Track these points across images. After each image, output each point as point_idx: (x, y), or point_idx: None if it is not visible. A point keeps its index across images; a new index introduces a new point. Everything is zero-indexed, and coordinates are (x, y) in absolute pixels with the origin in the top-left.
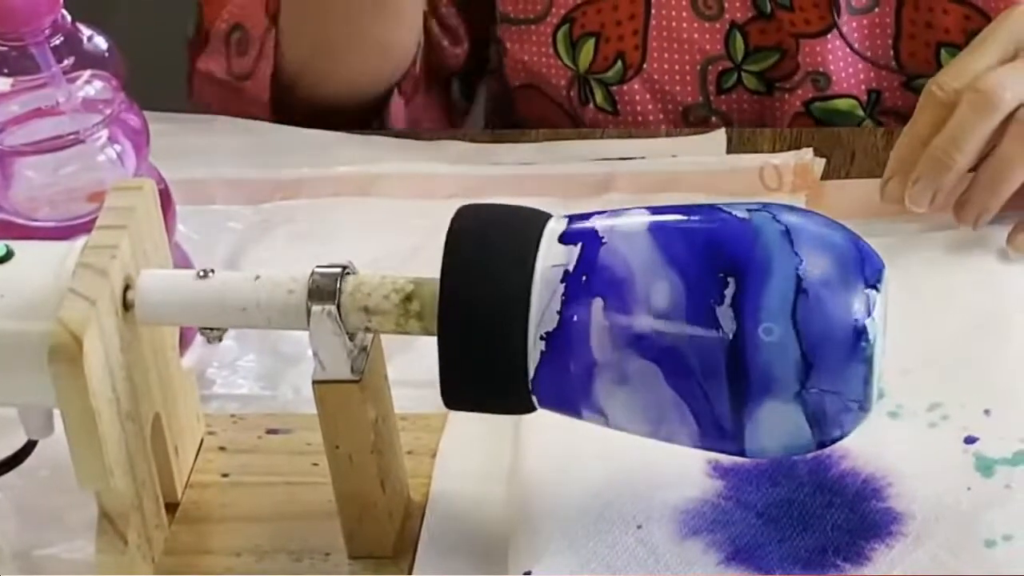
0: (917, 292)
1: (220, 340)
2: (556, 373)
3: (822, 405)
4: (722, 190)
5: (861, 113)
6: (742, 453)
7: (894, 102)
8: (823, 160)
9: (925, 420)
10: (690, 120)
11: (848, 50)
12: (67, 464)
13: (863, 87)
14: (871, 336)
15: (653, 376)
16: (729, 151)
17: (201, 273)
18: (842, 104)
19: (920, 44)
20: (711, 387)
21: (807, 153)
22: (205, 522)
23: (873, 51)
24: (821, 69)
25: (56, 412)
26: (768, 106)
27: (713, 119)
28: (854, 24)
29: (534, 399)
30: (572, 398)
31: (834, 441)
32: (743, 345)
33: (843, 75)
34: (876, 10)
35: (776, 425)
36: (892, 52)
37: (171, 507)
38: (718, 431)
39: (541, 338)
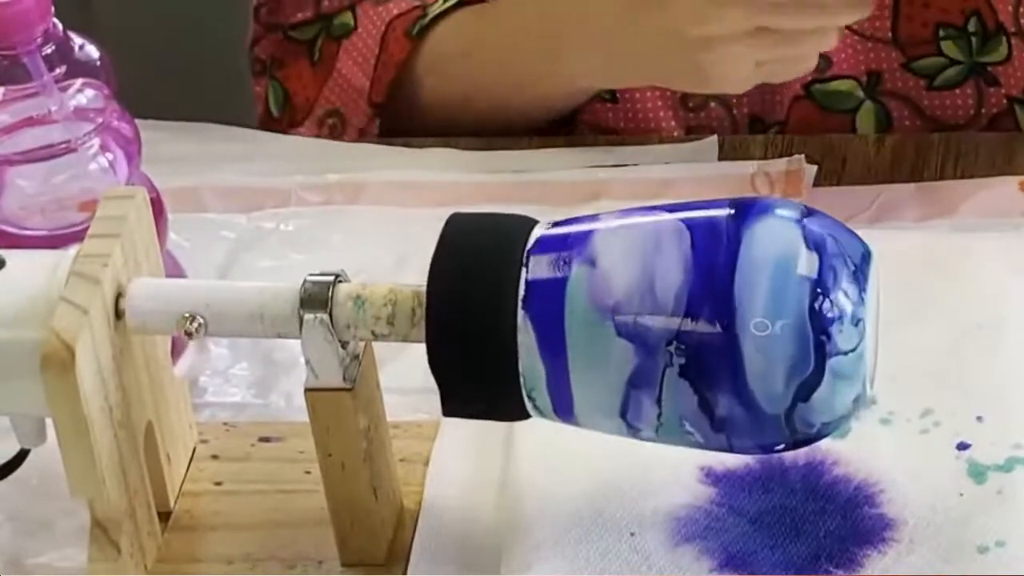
0: (908, 298)
1: (203, 336)
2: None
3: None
4: (714, 197)
5: (861, 94)
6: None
7: (893, 83)
8: (814, 167)
9: (917, 426)
10: (689, 105)
11: (847, 31)
12: (59, 472)
13: (862, 68)
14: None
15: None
16: (721, 157)
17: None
18: (842, 85)
19: (918, 24)
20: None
21: (799, 160)
22: (198, 530)
23: (872, 32)
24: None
25: (48, 420)
26: (768, 89)
27: (712, 104)
28: None
29: (527, 405)
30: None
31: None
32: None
33: (842, 56)
34: None
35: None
36: (891, 33)
37: (164, 515)
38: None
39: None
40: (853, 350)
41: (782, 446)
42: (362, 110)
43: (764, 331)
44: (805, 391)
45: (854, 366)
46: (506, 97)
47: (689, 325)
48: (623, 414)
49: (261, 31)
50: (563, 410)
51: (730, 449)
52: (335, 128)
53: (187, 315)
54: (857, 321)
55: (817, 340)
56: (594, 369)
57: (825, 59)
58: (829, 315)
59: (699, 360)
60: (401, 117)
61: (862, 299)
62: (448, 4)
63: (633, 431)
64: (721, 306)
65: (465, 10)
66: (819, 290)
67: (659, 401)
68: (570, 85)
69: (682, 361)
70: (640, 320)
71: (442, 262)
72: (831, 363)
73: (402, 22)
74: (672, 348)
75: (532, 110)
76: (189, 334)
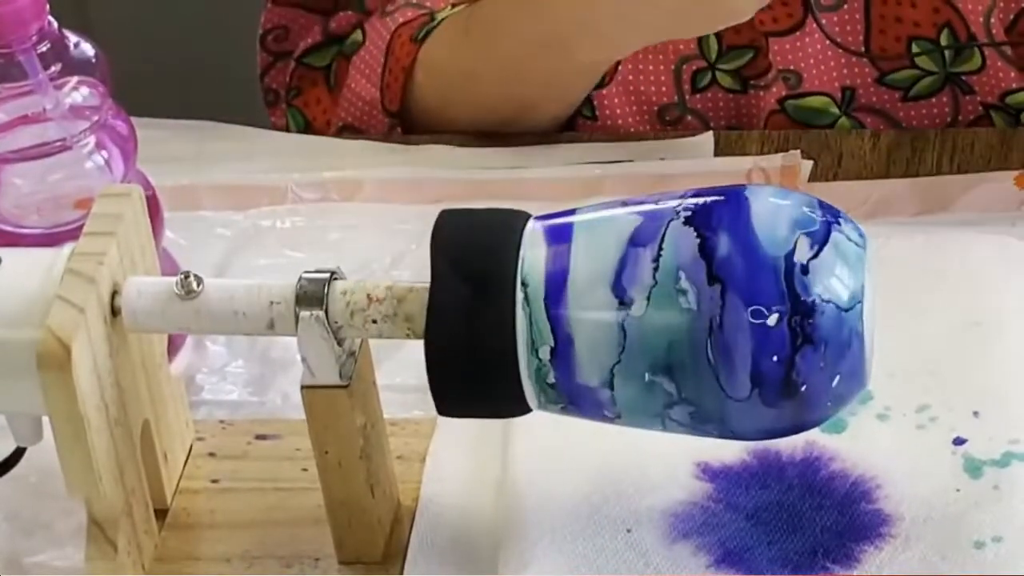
0: (905, 294)
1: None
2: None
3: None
4: None
5: (836, 111)
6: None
7: (868, 98)
8: (810, 162)
9: (913, 422)
10: (666, 119)
11: (819, 47)
12: (56, 471)
13: (836, 84)
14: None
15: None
16: (716, 153)
17: (183, 279)
18: (815, 102)
19: (891, 38)
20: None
21: (794, 155)
22: (195, 528)
23: (845, 46)
24: (792, 67)
25: (45, 419)
26: (744, 104)
27: (689, 118)
28: (824, 21)
29: (529, 400)
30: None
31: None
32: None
33: (815, 72)
34: (845, 6)
35: None
36: (864, 47)
37: (161, 513)
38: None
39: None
40: (857, 244)
41: (776, 313)
42: (379, 120)
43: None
44: (807, 247)
45: (857, 258)
46: (509, 82)
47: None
48: (617, 279)
49: (270, 60)
50: (555, 293)
51: (722, 307)
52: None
53: (184, 273)
54: (861, 233)
55: (825, 206)
56: (596, 233)
57: (796, 75)
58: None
59: (707, 209)
60: (414, 121)
61: None
62: (455, 10)
63: (624, 308)
64: None
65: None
66: None
67: (658, 257)
68: (571, 54)
69: (688, 213)
70: (648, 202)
71: (440, 260)
72: (835, 235)
73: (408, 29)
74: (679, 206)
75: (535, 94)
76: (189, 291)
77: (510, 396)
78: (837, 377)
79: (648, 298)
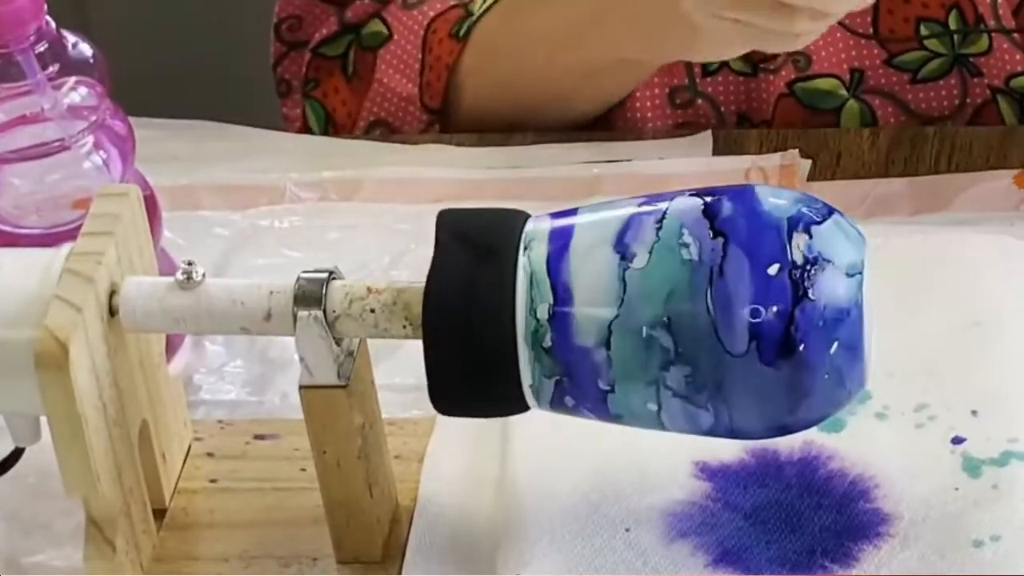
0: (903, 293)
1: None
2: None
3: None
4: None
5: (844, 93)
6: None
7: (876, 80)
8: (809, 161)
9: (912, 421)
10: (676, 102)
11: (828, 30)
12: (55, 471)
13: (845, 66)
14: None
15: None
16: (715, 152)
17: (186, 266)
18: (824, 84)
19: (899, 20)
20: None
21: (793, 154)
22: (193, 528)
23: (854, 28)
24: (801, 49)
25: (43, 419)
26: (753, 87)
27: (699, 102)
28: None
29: (528, 399)
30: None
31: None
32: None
33: (824, 54)
34: None
35: None
36: (872, 29)
37: (159, 513)
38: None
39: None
40: (859, 232)
41: (777, 263)
42: (415, 116)
43: None
44: (810, 215)
45: (858, 237)
46: (554, 78)
47: None
48: (620, 238)
49: (284, 49)
50: (557, 252)
51: (723, 257)
52: (383, 136)
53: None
54: (860, 232)
55: (827, 204)
56: (601, 209)
57: (806, 57)
58: None
59: (712, 190)
60: (450, 119)
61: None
62: (491, 1)
63: (625, 261)
64: None
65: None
66: None
67: (661, 219)
68: (614, 50)
69: (692, 191)
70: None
71: (438, 260)
72: (837, 217)
73: (443, 24)
74: (684, 191)
75: (581, 91)
76: (190, 277)
77: (511, 394)
78: (835, 343)
79: (650, 252)
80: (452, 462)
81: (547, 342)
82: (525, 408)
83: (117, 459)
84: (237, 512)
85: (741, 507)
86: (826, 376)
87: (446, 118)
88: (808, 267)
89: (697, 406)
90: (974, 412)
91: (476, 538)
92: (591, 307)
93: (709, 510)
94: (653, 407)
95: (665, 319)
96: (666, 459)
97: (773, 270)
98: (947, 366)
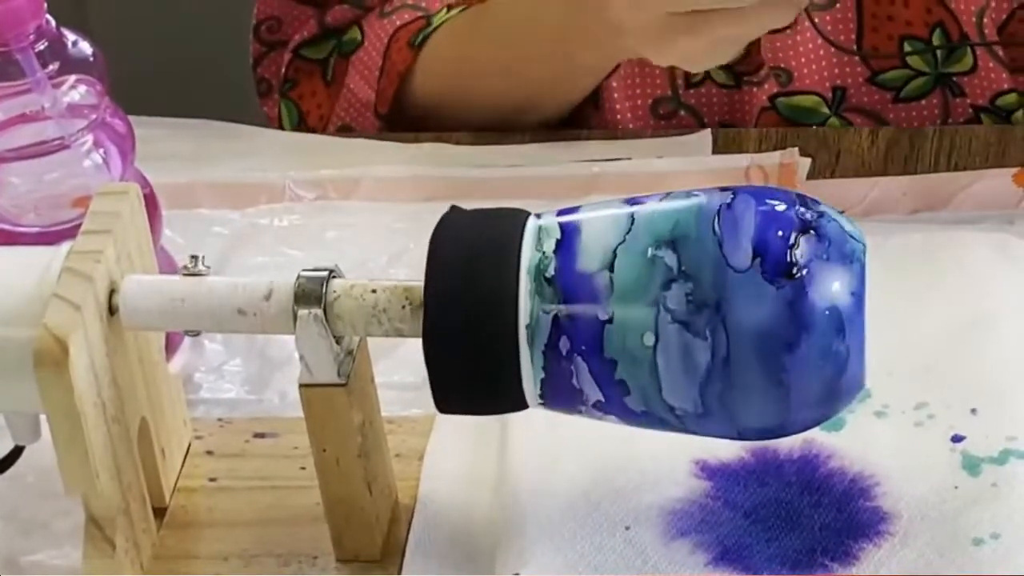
0: (903, 291)
1: (197, 335)
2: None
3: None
4: None
5: (826, 110)
6: None
7: (859, 99)
8: (808, 160)
9: (911, 419)
10: (659, 113)
11: (811, 46)
12: (54, 470)
13: (827, 84)
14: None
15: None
16: (715, 151)
17: (191, 262)
18: (806, 101)
19: (883, 37)
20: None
21: (792, 153)
22: (193, 526)
23: (837, 43)
24: (783, 64)
25: (43, 417)
26: (737, 100)
27: (682, 113)
28: (816, 19)
29: (528, 397)
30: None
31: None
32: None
33: (805, 71)
34: (838, 4)
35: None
36: (855, 46)
37: (159, 511)
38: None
39: (528, 330)
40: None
41: (785, 203)
42: (370, 122)
43: None
44: (812, 200)
45: (859, 241)
46: (513, 82)
47: None
48: (633, 200)
49: (263, 50)
50: (567, 210)
51: (733, 199)
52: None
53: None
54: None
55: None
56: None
57: (787, 73)
58: None
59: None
60: (404, 123)
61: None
62: (451, 14)
63: (636, 206)
64: None
65: (460, 11)
66: None
67: (668, 193)
68: (573, 57)
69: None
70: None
71: (438, 257)
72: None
73: (405, 33)
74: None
75: (538, 93)
76: (192, 274)
77: (511, 392)
78: (837, 283)
79: (661, 199)
80: (452, 460)
81: (550, 271)
82: (524, 406)
83: (116, 457)
84: (237, 510)
85: (741, 505)
86: (827, 312)
87: (395, 125)
88: (816, 213)
89: (695, 333)
90: (973, 410)
91: (476, 536)
92: (598, 238)
93: (709, 508)
94: (650, 340)
95: (671, 240)
96: (666, 458)
97: (781, 207)
98: (947, 364)
